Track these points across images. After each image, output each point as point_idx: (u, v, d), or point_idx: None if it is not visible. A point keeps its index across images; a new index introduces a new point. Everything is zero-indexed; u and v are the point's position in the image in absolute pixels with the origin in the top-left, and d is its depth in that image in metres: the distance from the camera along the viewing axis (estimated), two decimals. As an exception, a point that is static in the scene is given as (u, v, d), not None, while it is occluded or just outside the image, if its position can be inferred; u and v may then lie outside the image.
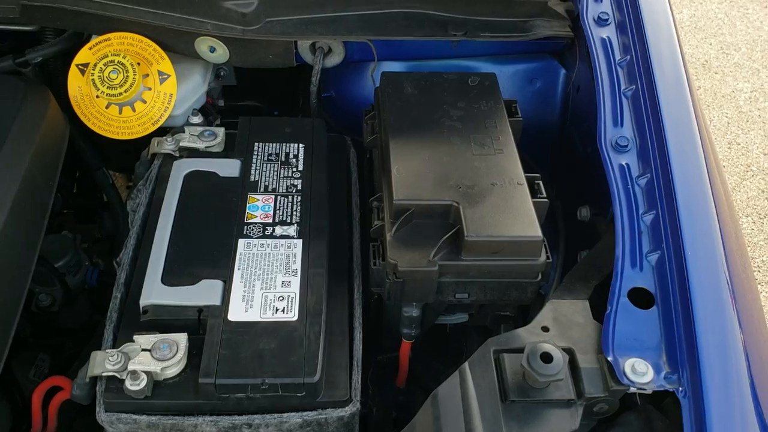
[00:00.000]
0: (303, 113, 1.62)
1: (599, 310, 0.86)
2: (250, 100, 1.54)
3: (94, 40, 1.21)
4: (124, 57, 1.17)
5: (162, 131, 1.20)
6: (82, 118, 1.21)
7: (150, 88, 1.20)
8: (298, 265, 0.96)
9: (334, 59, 1.24)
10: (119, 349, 0.86)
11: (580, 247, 1.09)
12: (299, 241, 0.99)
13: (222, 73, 1.33)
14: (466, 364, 0.82)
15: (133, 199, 1.14)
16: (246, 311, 0.90)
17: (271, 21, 1.14)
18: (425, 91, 1.13)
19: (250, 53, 1.20)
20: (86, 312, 1.39)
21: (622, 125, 1.01)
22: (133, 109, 1.20)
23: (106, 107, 1.20)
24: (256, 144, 1.13)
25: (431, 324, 1.02)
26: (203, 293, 0.91)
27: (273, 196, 1.05)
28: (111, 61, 1.18)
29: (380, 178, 1.07)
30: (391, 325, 1.01)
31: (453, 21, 1.17)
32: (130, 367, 0.84)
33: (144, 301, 0.90)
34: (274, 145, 1.13)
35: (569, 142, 1.25)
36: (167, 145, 1.14)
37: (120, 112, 1.20)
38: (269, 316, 0.89)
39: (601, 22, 1.13)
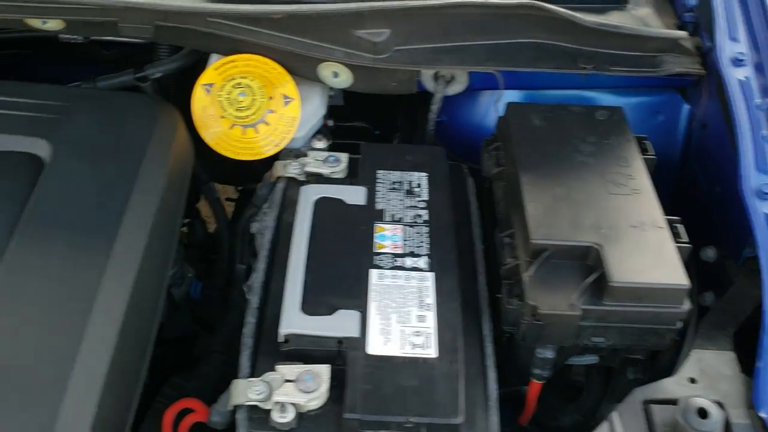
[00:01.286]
0: (402, 133, 1.63)
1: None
2: (354, 120, 1.55)
3: (220, 61, 1.23)
4: (252, 80, 1.19)
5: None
6: (204, 137, 1.23)
7: (274, 111, 1.21)
8: (431, 300, 0.95)
9: (456, 88, 1.23)
10: (261, 378, 0.87)
11: (704, 288, 1.07)
12: (431, 274, 0.98)
13: (331, 94, 1.34)
14: (616, 414, 0.81)
15: (259, 221, 1.16)
16: (385, 345, 0.90)
17: (400, 50, 1.14)
18: (553, 123, 1.12)
19: (374, 80, 1.21)
20: (187, 324, 1.41)
21: (766, 172, 0.99)
22: (257, 131, 1.22)
23: (230, 128, 1.22)
24: (379, 171, 1.14)
25: (561, 365, 1.01)
26: (342, 324, 0.91)
27: (401, 226, 1.05)
28: (239, 84, 1.20)
29: (506, 212, 1.07)
30: (519, 364, 1.00)
31: (582, 53, 1.15)
32: (275, 398, 0.84)
33: (285, 330, 0.91)
34: (397, 173, 1.14)
35: (691, 179, 1.23)
36: (292, 169, 1.16)
37: (243, 133, 1.22)
38: (408, 352, 0.89)
39: (737, 62, 1.10)
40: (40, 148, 1.04)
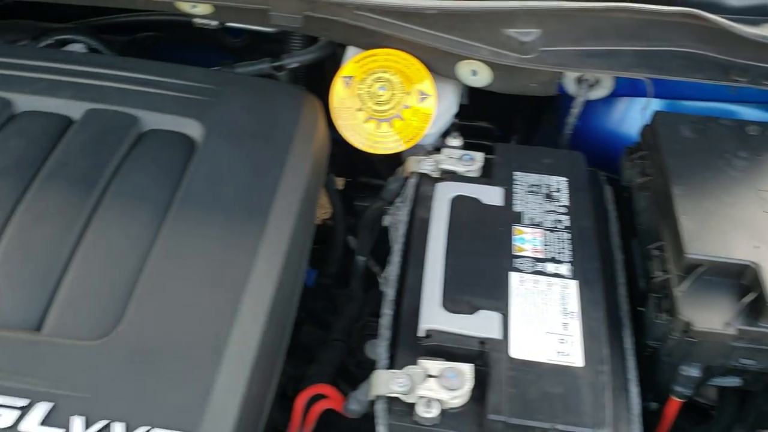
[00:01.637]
0: (520, 134, 1.61)
1: None
2: (477, 120, 1.53)
3: (361, 54, 1.24)
4: (393, 74, 1.20)
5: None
6: (340, 129, 1.24)
7: (409, 107, 1.22)
8: (575, 308, 0.94)
9: (599, 92, 1.21)
10: (404, 371, 0.87)
11: None
12: (573, 282, 0.97)
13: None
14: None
15: (392, 215, 1.16)
16: (528, 349, 0.89)
17: (546, 51, 1.13)
18: (702, 135, 1.08)
19: (514, 80, 1.19)
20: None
21: None
22: (391, 125, 1.22)
23: (365, 121, 1.23)
24: (516, 173, 1.12)
25: (704, 384, 0.97)
26: (483, 324, 0.91)
27: (541, 231, 1.04)
28: (380, 78, 1.20)
29: (651, 223, 1.04)
30: (659, 380, 0.97)
31: (735, 66, 1.11)
32: (419, 393, 0.84)
33: (427, 325, 0.91)
34: (535, 176, 1.12)
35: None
36: (426, 166, 1.16)
37: (378, 127, 1.22)
38: (552, 358, 0.88)
39: None
40: (193, 128, 1.07)
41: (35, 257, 0.90)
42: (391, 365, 0.91)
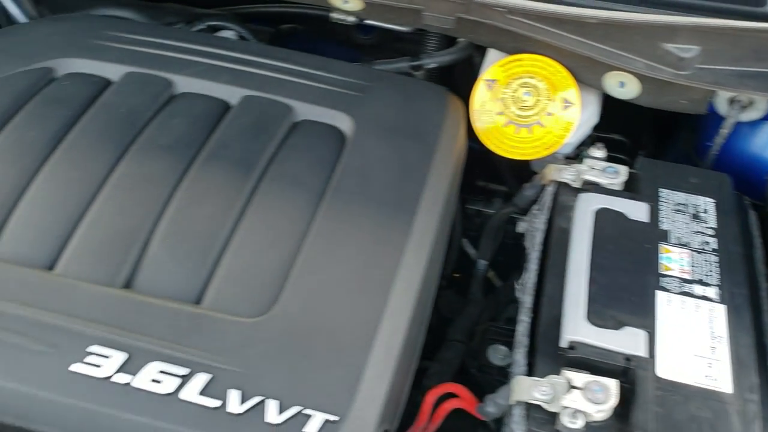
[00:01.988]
0: (647, 150, 1.57)
1: None
2: (609, 131, 1.51)
3: (506, 59, 1.24)
4: (539, 80, 1.19)
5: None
6: (477, 131, 1.24)
7: (551, 114, 1.21)
8: (723, 332, 0.91)
9: (752, 114, 1.17)
10: (546, 379, 0.87)
11: None
12: (721, 306, 0.94)
13: (594, 103, 1.31)
14: None
15: (528, 222, 1.16)
16: (675, 370, 0.87)
17: (703, 68, 1.10)
18: None
19: (663, 95, 1.17)
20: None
21: None
22: (530, 132, 1.22)
23: (504, 125, 1.23)
24: (662, 190, 1.10)
25: None
26: (629, 341, 0.89)
27: (688, 251, 1.01)
28: (526, 83, 1.20)
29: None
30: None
31: None
32: (563, 403, 0.84)
33: (570, 336, 0.90)
34: (682, 194, 1.10)
35: None
36: (567, 175, 1.15)
37: (516, 132, 1.22)
38: (700, 381, 0.86)
39: None
40: (343, 121, 1.10)
41: (197, 233, 0.94)
42: (530, 373, 0.91)
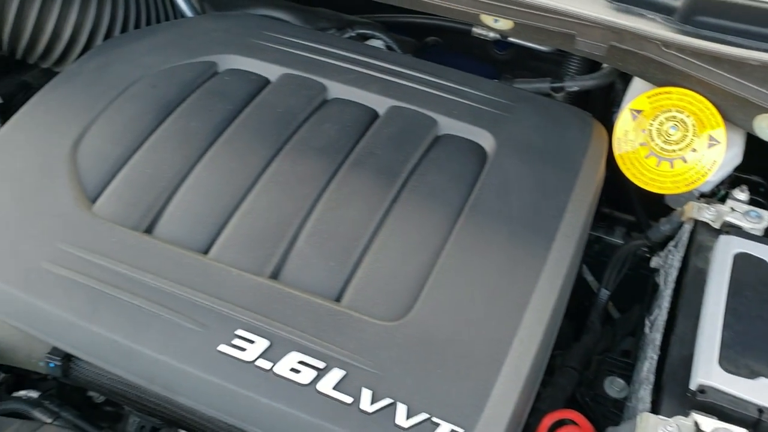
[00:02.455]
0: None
1: None
2: (748, 172, 1.47)
3: (654, 90, 1.22)
4: (687, 115, 1.18)
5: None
6: (618, 159, 1.24)
7: (696, 151, 1.19)
8: None
9: None
10: (674, 419, 0.86)
11: None
12: None
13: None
14: None
15: (663, 258, 1.15)
16: (814, 429, 0.85)
17: None
18: None
19: (817, 142, 1.13)
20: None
21: None
22: (672, 166, 1.20)
23: (646, 156, 1.22)
24: (806, 240, 1.07)
25: None
26: (763, 392, 0.88)
27: (832, 307, 0.98)
28: (673, 117, 1.19)
29: None
30: None
31: None
32: (684, 446, 0.83)
33: (702, 380, 0.89)
34: (829, 245, 1.06)
35: None
36: (707, 214, 1.13)
37: (658, 165, 1.21)
38: (838, 445, 0.83)
39: None
40: (485, 139, 1.12)
41: (341, 234, 0.99)
42: (654, 411, 0.91)
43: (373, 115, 1.16)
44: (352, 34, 1.46)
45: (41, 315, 0.94)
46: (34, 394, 1.17)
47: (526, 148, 1.10)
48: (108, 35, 1.38)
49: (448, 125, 1.14)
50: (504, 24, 1.30)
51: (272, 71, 1.23)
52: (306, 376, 0.86)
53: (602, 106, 1.52)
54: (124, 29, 1.39)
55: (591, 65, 1.48)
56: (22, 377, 1.25)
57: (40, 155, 1.09)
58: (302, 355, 0.88)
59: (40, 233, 1.00)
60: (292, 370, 0.86)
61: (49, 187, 1.05)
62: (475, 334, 0.89)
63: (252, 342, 0.89)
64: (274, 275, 0.96)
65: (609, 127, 1.25)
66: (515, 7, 1.23)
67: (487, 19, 1.31)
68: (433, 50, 1.73)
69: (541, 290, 0.93)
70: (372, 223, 1.00)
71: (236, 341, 0.89)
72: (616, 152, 1.24)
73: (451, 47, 1.78)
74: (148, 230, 1.01)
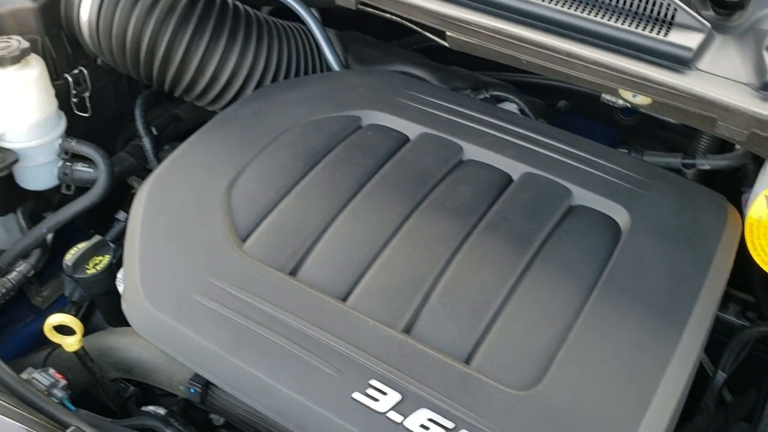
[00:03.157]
0: None
1: None
2: None
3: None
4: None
5: None
6: (749, 244, 1.22)
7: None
8: None
9: None
10: None
11: None
12: None
13: None
14: None
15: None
16: None
17: None
18: None
19: None
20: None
21: None
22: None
23: (780, 244, 1.20)
24: None
25: None
26: None
27: None
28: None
29: None
30: None
31: None
32: None
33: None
34: None
35: None
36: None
37: (788, 253, 1.19)
38: None
39: None
40: (620, 214, 1.14)
41: (473, 296, 1.02)
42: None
43: (507, 180, 1.20)
44: (486, 96, 1.51)
45: (189, 343, 1.02)
46: (161, 410, 1.26)
47: (661, 228, 1.11)
48: (261, 82, 1.48)
49: (583, 196, 1.17)
50: (642, 100, 1.32)
51: (412, 129, 1.29)
52: (435, 434, 0.90)
53: (728, 183, 1.50)
54: (275, 77, 1.49)
55: (721, 142, 1.47)
56: (148, 392, 1.34)
57: (197, 193, 1.18)
58: (432, 412, 0.91)
59: (194, 266, 1.08)
60: (422, 426, 0.90)
61: (205, 223, 1.13)
62: (603, 413, 0.91)
63: (385, 394, 0.93)
64: (407, 329, 1.00)
65: (734, 205, 1.24)
66: (658, 86, 1.24)
67: (626, 93, 1.33)
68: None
69: (671, 375, 0.94)
70: (504, 289, 1.03)
71: (370, 391, 0.93)
72: (748, 237, 1.23)
73: (574, 107, 1.81)
74: (293, 272, 1.07)
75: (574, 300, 1.02)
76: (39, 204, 1.62)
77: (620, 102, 1.51)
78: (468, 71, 1.62)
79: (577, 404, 0.91)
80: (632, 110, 1.74)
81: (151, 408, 1.28)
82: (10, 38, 1.35)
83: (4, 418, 0.95)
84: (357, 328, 1.00)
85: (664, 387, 0.93)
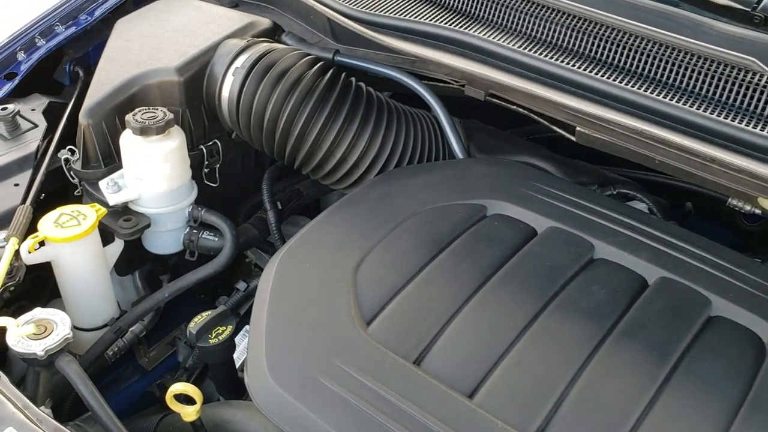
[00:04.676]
0: None
1: None
2: None
3: None
4: None
5: None
6: None
7: None
8: None
9: None
10: None
11: None
12: None
13: None
14: None
15: None
16: None
17: None
18: None
19: None
20: None
21: None
22: None
23: None
24: None
25: None
26: None
27: None
28: None
29: None
30: None
31: None
32: None
33: None
34: None
35: None
36: None
37: None
38: None
39: None
40: (764, 330, 1.07)
41: (610, 406, 0.97)
42: None
43: (643, 284, 1.16)
44: (613, 192, 1.48)
45: (310, 425, 1.00)
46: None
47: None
48: (386, 165, 1.50)
49: (723, 308, 1.11)
50: (764, 202, 1.27)
51: (539, 222, 1.27)
52: None
53: None
54: (400, 162, 1.51)
55: None
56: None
57: (324, 271, 1.19)
58: None
59: (319, 347, 1.07)
60: None
61: (331, 303, 1.13)
62: None
63: (516, 502, 0.89)
64: (538, 434, 0.96)
65: None
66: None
67: (765, 202, 1.28)
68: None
69: None
70: (642, 401, 0.98)
71: (499, 499, 0.89)
72: None
73: (696, 209, 1.75)
74: (417, 361, 1.05)
75: (718, 420, 0.95)
76: (156, 266, 1.67)
77: (747, 207, 1.46)
78: (593, 166, 1.59)
79: None
80: (757, 216, 1.67)
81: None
82: (156, 109, 1.43)
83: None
84: (484, 429, 0.96)
85: None
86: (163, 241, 1.53)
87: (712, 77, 1.24)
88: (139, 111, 1.42)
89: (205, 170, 1.58)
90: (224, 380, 1.33)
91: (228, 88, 1.49)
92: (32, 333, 1.14)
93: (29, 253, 1.31)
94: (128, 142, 1.42)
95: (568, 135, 1.47)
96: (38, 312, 1.19)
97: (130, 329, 1.54)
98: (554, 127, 1.51)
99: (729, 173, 1.21)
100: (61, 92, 1.81)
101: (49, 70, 1.83)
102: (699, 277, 1.15)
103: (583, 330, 1.07)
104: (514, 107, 1.50)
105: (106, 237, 1.45)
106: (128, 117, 1.41)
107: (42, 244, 1.33)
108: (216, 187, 1.63)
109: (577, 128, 1.38)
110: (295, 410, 1.02)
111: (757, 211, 1.46)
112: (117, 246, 1.48)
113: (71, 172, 1.52)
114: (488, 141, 1.62)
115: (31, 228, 1.35)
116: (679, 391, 0.99)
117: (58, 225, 1.34)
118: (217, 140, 1.59)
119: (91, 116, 1.46)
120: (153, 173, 1.42)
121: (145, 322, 1.59)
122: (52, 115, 1.65)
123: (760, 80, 1.20)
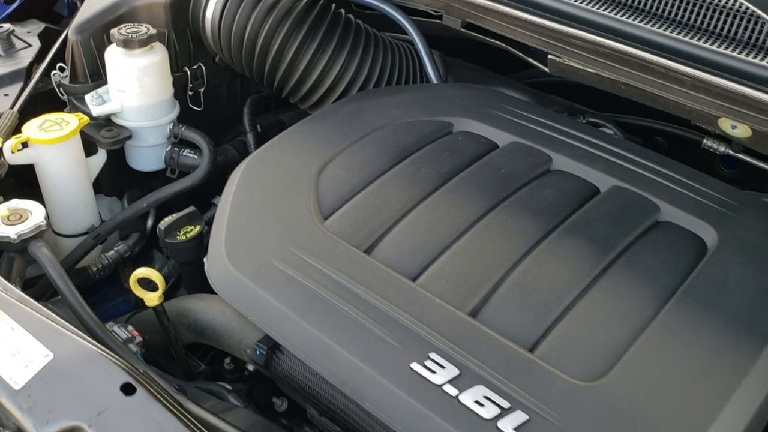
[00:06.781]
0: None
1: None
2: None
3: None
4: None
5: None
6: None
7: None
8: None
9: None
10: None
11: None
12: None
13: None
14: None
15: None
16: None
17: None
18: None
19: None
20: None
21: None
22: None
23: None
24: None
25: None
26: None
27: None
28: None
29: None
30: None
31: None
32: None
33: None
34: None
35: None
36: None
37: None
38: None
39: None
40: (708, 233, 1.10)
41: (545, 290, 1.01)
42: None
43: (594, 191, 1.19)
44: (583, 121, 1.51)
45: (263, 304, 1.05)
46: (227, 387, 1.29)
47: (750, 250, 1.07)
48: (362, 89, 1.54)
49: (671, 213, 1.14)
50: (742, 131, 1.29)
51: (502, 138, 1.31)
52: (489, 411, 0.88)
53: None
54: (377, 86, 1.55)
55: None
56: (217, 373, 1.37)
57: (288, 174, 1.23)
58: (489, 390, 0.90)
59: (276, 236, 1.12)
60: (477, 402, 0.89)
61: (291, 200, 1.18)
62: (667, 414, 0.86)
63: (443, 367, 0.92)
64: (473, 313, 1.00)
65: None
66: (757, 115, 1.21)
67: (725, 123, 1.30)
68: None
69: (745, 390, 0.88)
70: (578, 287, 1.01)
71: (428, 363, 0.93)
72: None
73: (674, 157, 1.77)
74: (368, 251, 1.09)
75: (650, 304, 0.98)
76: (143, 191, 1.72)
77: (721, 148, 1.49)
78: (566, 100, 1.62)
79: (642, 402, 0.87)
80: (734, 162, 1.69)
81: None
82: (140, 25, 1.48)
83: (80, 340, 0.99)
84: (423, 305, 1.00)
85: (736, 400, 0.88)
86: (145, 156, 1.58)
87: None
88: (124, 26, 1.47)
89: (190, 93, 1.63)
90: (193, 279, 1.38)
91: (211, 10, 1.54)
92: (6, 217, 1.20)
93: (12, 153, 1.37)
94: (112, 55, 1.47)
95: (542, 66, 1.51)
96: (15, 202, 1.25)
97: (115, 248, 1.59)
98: (530, 59, 1.55)
99: (686, 93, 1.23)
100: (59, 23, 1.88)
101: (49, 1, 1.90)
102: (650, 187, 1.18)
103: (529, 225, 1.11)
104: (492, 40, 1.53)
105: (90, 148, 1.51)
106: (113, 31, 1.46)
107: (26, 146, 1.39)
108: (201, 114, 1.68)
109: (549, 56, 1.41)
110: (250, 291, 1.07)
111: (728, 151, 1.49)
112: (100, 157, 1.53)
113: (60, 88, 1.58)
114: (466, 74, 1.65)
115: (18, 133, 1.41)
116: (617, 278, 1.02)
117: (41, 129, 1.39)
118: (202, 65, 1.64)
119: (79, 32, 1.52)
120: (134, 86, 1.47)
121: (130, 243, 1.64)
122: (47, 39, 1.71)
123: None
